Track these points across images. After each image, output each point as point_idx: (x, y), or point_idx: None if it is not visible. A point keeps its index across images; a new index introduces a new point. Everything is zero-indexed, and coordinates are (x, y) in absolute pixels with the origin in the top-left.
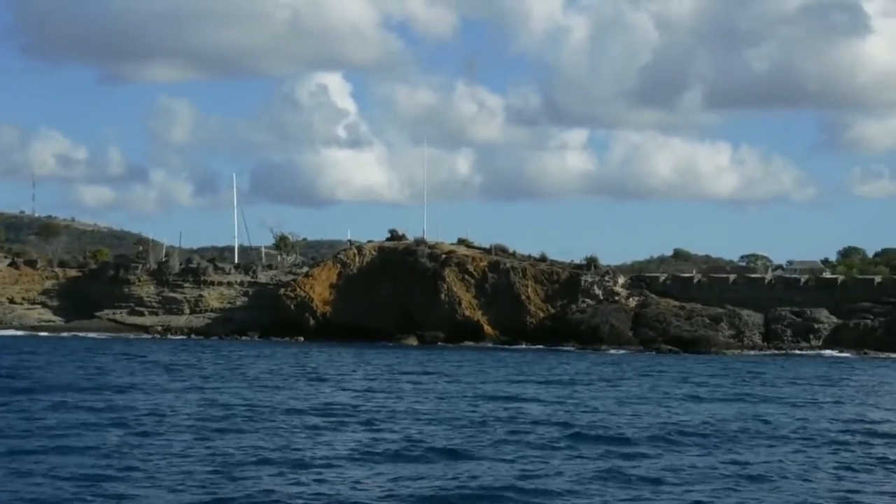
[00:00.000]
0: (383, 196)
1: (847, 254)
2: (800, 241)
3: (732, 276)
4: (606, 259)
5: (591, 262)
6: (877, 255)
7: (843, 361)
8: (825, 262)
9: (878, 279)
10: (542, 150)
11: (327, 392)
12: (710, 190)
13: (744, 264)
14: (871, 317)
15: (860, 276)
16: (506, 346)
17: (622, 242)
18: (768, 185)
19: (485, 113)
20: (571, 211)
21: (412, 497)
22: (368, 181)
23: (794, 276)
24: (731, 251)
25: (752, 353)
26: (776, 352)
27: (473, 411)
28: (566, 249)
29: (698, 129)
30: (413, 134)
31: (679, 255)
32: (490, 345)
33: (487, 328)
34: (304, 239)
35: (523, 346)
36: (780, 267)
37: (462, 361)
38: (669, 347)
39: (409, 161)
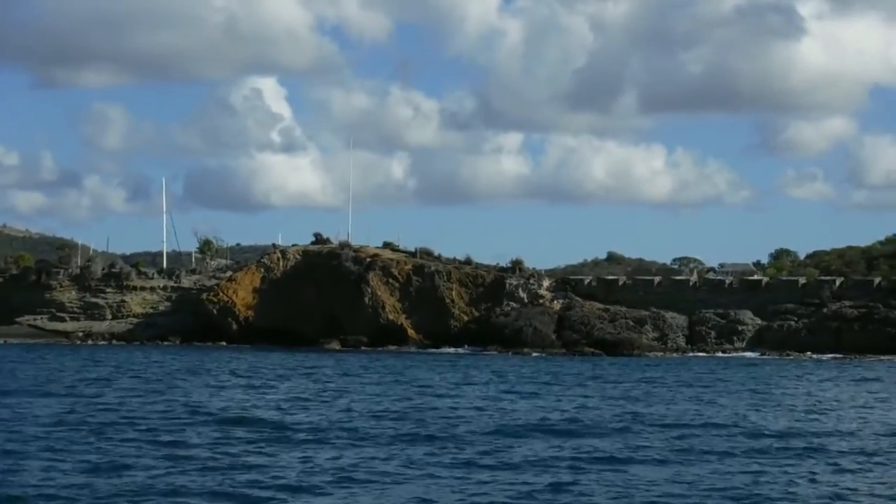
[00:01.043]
0: (317, 201)
1: (778, 256)
2: (733, 244)
3: (657, 279)
4: (541, 263)
5: (517, 265)
6: (808, 256)
7: (757, 363)
8: (757, 264)
9: (802, 281)
10: (477, 153)
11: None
12: (645, 193)
13: (676, 267)
14: (795, 318)
15: (784, 278)
16: (429, 350)
17: (557, 246)
18: (703, 188)
19: (420, 117)
20: (507, 215)
21: None
22: (303, 186)
23: (718, 278)
24: (664, 254)
25: (675, 355)
26: (700, 354)
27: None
28: (501, 253)
29: (633, 132)
30: (348, 138)
31: (612, 259)
32: (413, 349)
33: (411, 332)
34: (238, 244)
35: (449, 350)
36: (711, 270)
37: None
38: (592, 350)
39: (344, 165)
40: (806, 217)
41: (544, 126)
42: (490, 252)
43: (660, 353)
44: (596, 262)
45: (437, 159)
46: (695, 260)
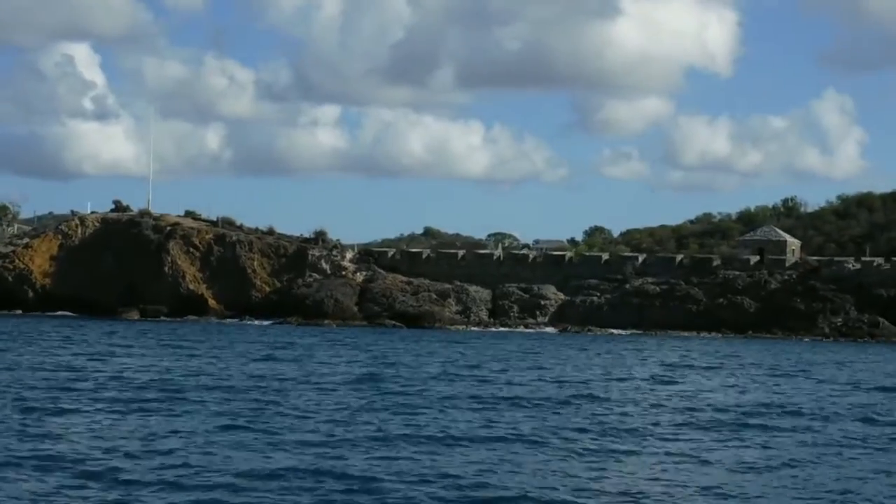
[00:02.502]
0: (131, 170)
1: (591, 233)
2: (550, 221)
3: (461, 252)
4: (357, 237)
5: (320, 237)
6: (621, 234)
7: (544, 337)
8: (571, 241)
9: (605, 257)
10: (293, 126)
11: None
12: (463, 169)
13: (490, 242)
14: (598, 294)
15: (588, 254)
16: (231, 321)
17: (374, 220)
18: (520, 165)
19: (235, 87)
20: (323, 188)
21: None
22: (115, 154)
23: (522, 252)
24: (481, 230)
25: (476, 329)
26: (502, 328)
27: None
28: (317, 227)
29: (451, 107)
30: (162, 107)
31: (429, 233)
32: (214, 319)
33: (212, 302)
34: (51, 213)
35: (251, 322)
36: (526, 246)
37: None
38: (393, 322)
39: (158, 135)
40: (621, 196)
41: (361, 99)
42: (306, 226)
43: (461, 327)
44: (413, 237)
45: (253, 130)
46: (509, 236)
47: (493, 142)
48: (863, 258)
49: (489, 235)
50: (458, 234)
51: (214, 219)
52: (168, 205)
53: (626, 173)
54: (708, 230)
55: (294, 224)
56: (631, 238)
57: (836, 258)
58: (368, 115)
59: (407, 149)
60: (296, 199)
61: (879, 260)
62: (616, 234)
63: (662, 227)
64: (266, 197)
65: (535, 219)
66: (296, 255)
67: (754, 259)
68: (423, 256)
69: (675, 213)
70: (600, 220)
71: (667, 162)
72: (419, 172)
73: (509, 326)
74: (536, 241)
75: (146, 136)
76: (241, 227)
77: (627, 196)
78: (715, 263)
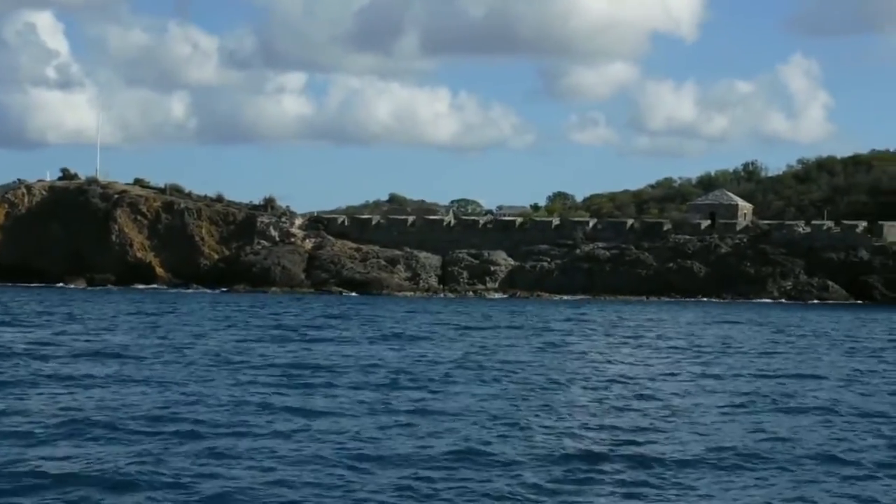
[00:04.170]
0: (94, 139)
1: (554, 199)
2: (516, 188)
3: (411, 218)
4: (322, 204)
5: (269, 203)
6: (584, 200)
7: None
8: (535, 207)
9: (556, 221)
10: (258, 93)
11: None
12: (429, 136)
13: (454, 209)
14: (548, 259)
15: (538, 219)
16: (178, 289)
17: (340, 188)
18: (487, 132)
19: (199, 55)
20: (289, 156)
21: None
22: (80, 123)
23: (471, 218)
24: (446, 196)
25: (424, 295)
26: (451, 295)
27: None
28: (285, 195)
29: (417, 74)
30: (126, 75)
31: (394, 200)
32: (165, 287)
33: (160, 270)
34: (18, 180)
35: (197, 290)
36: (490, 212)
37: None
38: (340, 290)
39: (122, 103)
40: (588, 162)
41: (327, 66)
42: (275, 194)
43: (409, 293)
44: (378, 204)
45: (218, 98)
46: (474, 202)
47: (460, 108)
48: (813, 222)
49: (453, 202)
50: (422, 201)
51: (163, 186)
52: (129, 174)
53: (593, 139)
54: (668, 195)
55: (259, 193)
56: (591, 203)
57: (787, 222)
58: (334, 83)
59: (373, 116)
60: (261, 168)
61: (829, 223)
62: (580, 199)
63: (624, 192)
64: (231, 165)
65: (501, 185)
66: (244, 223)
67: (705, 223)
68: (373, 223)
69: (641, 178)
70: (566, 186)
71: (633, 127)
72: (386, 139)
73: (458, 293)
74: (500, 208)
75: (110, 104)
76: (189, 195)
77: (594, 162)
78: (666, 228)
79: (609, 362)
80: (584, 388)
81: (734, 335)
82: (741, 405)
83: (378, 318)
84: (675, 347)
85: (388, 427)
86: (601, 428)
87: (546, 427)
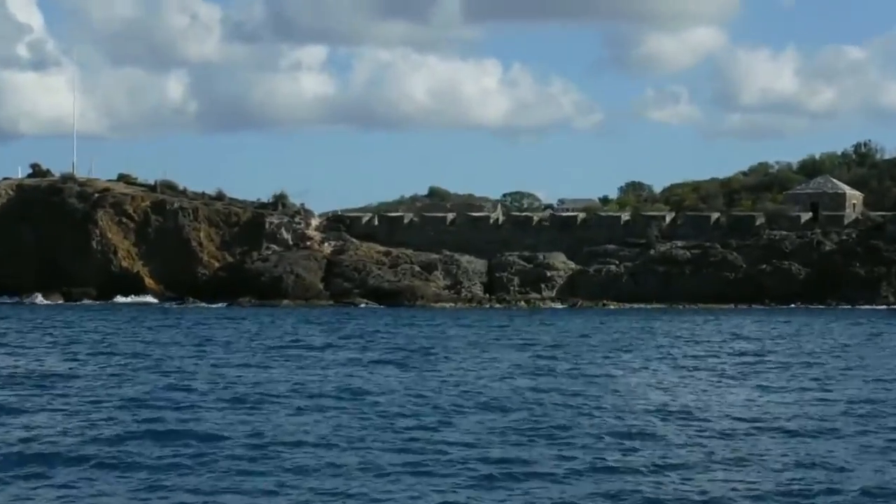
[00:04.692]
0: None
1: (627, 190)
2: (581, 177)
3: (451, 216)
4: (345, 202)
5: (280, 200)
6: (665, 191)
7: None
8: (604, 199)
9: (625, 217)
10: (270, 71)
11: None
12: (476, 117)
13: (507, 203)
14: (617, 262)
15: (604, 214)
16: (173, 304)
17: (370, 181)
18: (545, 111)
19: (198, 27)
20: (308, 144)
21: None
22: (58, 110)
23: (525, 214)
24: (498, 189)
25: (468, 306)
26: (498, 305)
27: None
28: (301, 191)
29: (460, 44)
30: (111, 53)
31: (435, 194)
32: (157, 302)
33: (150, 282)
34: None
35: (198, 304)
36: (549, 207)
37: None
38: (365, 301)
39: (107, 85)
40: (667, 145)
41: (351, 38)
42: (291, 189)
43: (450, 304)
44: (416, 199)
45: (222, 77)
46: (530, 195)
47: (512, 84)
48: None
49: (504, 195)
50: (471, 195)
51: (153, 183)
52: (116, 169)
53: (673, 118)
54: (764, 183)
55: (270, 189)
56: (672, 194)
57: None
58: (360, 57)
59: (408, 95)
60: (273, 159)
61: None
62: (659, 189)
63: (712, 180)
64: (236, 157)
65: (562, 175)
66: (250, 224)
67: (806, 216)
68: (406, 222)
69: (732, 164)
70: (641, 174)
71: (721, 103)
72: (423, 123)
73: (508, 303)
74: (561, 202)
75: (94, 87)
76: (184, 192)
77: (674, 145)
78: (758, 222)
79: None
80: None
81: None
82: None
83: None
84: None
85: None
86: None
87: None
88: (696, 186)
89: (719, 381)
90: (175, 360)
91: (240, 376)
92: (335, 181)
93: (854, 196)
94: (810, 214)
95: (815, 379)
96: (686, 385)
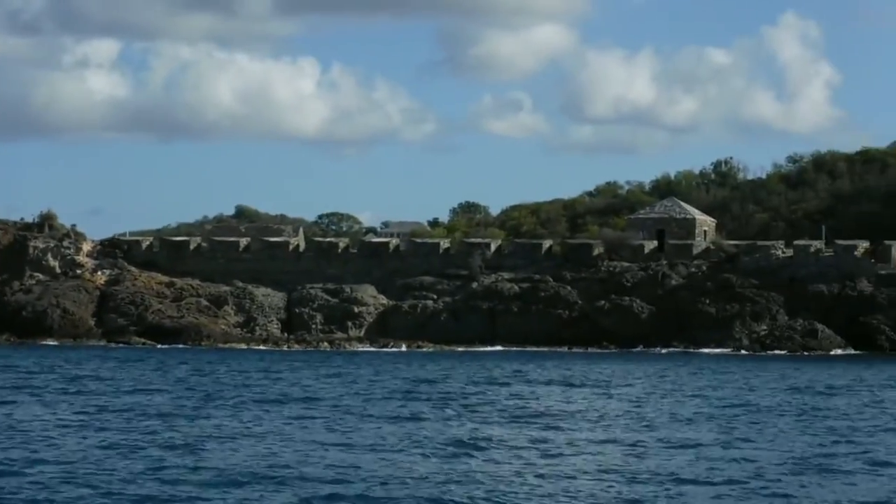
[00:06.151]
0: None
1: (459, 213)
2: (410, 196)
3: (244, 241)
4: (139, 222)
5: (47, 221)
6: (502, 213)
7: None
8: (433, 223)
9: (444, 244)
10: (51, 68)
11: None
12: (291, 126)
13: (324, 225)
14: (434, 297)
15: (420, 241)
16: None
17: (164, 199)
18: (369, 120)
19: None
20: (94, 154)
21: None
22: None
23: (328, 240)
24: (314, 210)
25: (262, 346)
26: (298, 346)
27: None
28: (96, 208)
29: (271, 41)
30: None
31: (243, 215)
32: None
33: None
34: None
35: None
36: (372, 230)
37: None
38: (142, 341)
39: None
40: (507, 161)
41: (148, 31)
42: (79, 209)
43: (242, 345)
44: (220, 220)
45: None
46: (350, 217)
47: (332, 88)
48: (796, 242)
49: (320, 217)
50: (283, 216)
51: None
52: None
53: (514, 129)
54: (612, 205)
55: (42, 207)
56: (509, 218)
57: (761, 243)
58: (158, 53)
59: (212, 99)
60: (51, 172)
61: (817, 244)
62: (496, 213)
63: (554, 201)
64: (11, 168)
65: (389, 194)
66: (12, 249)
67: (650, 245)
68: (192, 247)
69: (578, 183)
70: (477, 194)
71: (568, 113)
72: (230, 131)
73: (308, 343)
74: (385, 225)
75: None
76: None
77: (514, 160)
78: (596, 252)
79: None
80: None
81: None
82: None
83: None
84: None
85: None
86: None
87: None
88: (535, 209)
89: None
90: None
91: None
92: (126, 199)
93: (705, 222)
94: (655, 243)
95: None
96: None
